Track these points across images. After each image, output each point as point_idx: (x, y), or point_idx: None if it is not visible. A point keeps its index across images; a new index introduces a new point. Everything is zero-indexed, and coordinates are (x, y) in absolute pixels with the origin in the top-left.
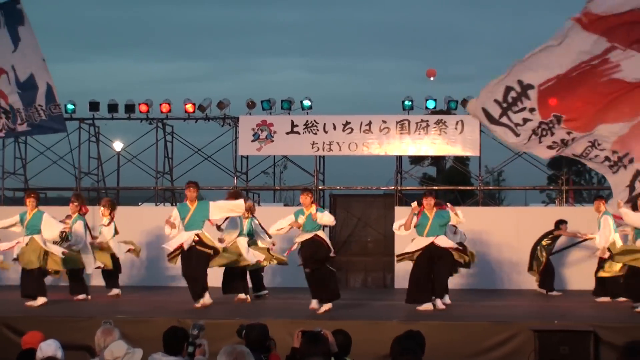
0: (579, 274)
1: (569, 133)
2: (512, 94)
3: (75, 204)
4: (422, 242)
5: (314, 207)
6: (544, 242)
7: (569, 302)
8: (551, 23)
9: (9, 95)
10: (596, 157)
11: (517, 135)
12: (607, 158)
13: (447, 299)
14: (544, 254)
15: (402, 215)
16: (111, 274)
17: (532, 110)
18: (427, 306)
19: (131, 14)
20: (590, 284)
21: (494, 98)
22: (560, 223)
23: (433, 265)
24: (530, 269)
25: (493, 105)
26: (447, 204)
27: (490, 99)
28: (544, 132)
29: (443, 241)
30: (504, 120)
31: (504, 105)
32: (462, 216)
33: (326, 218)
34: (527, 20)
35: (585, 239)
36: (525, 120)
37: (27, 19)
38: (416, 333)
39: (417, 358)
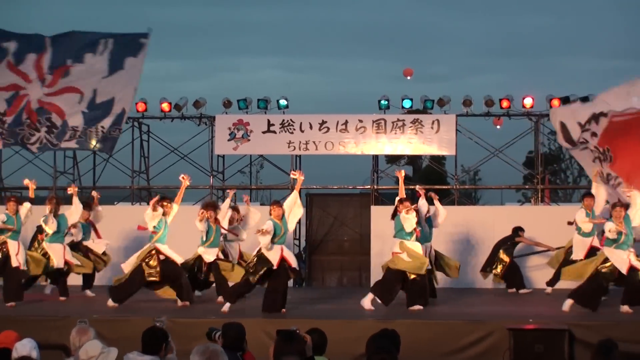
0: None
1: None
2: (588, 117)
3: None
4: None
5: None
6: (502, 251)
7: (543, 300)
8: (526, 23)
9: (70, 114)
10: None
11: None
12: None
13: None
14: (507, 255)
15: (378, 214)
16: (89, 276)
17: (594, 134)
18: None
19: (108, 13)
20: (564, 283)
21: (577, 120)
22: (518, 230)
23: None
24: (483, 269)
25: (575, 127)
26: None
27: (571, 118)
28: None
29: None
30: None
31: (580, 126)
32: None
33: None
34: (503, 20)
35: (546, 250)
36: (585, 141)
37: (144, 52)
38: (391, 332)
39: (393, 357)
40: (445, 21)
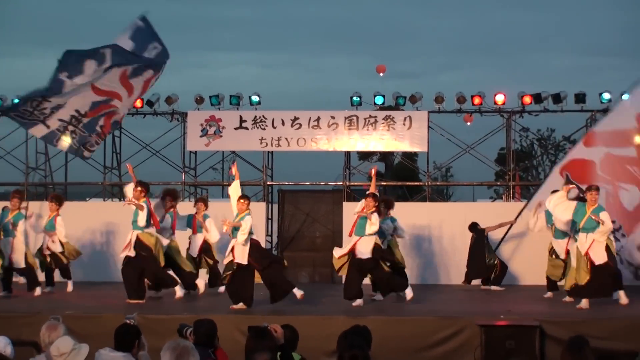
0: (527, 270)
1: None
2: None
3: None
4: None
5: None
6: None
7: (515, 297)
8: (499, 19)
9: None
10: None
11: None
12: None
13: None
14: (494, 257)
15: (350, 210)
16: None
17: None
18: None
19: (79, 8)
20: (538, 280)
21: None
22: (476, 225)
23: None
24: (469, 281)
25: None
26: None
27: None
28: None
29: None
30: None
31: None
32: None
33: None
34: (476, 17)
35: (510, 225)
36: None
37: (157, 75)
38: (363, 328)
39: (364, 353)
40: (418, 18)
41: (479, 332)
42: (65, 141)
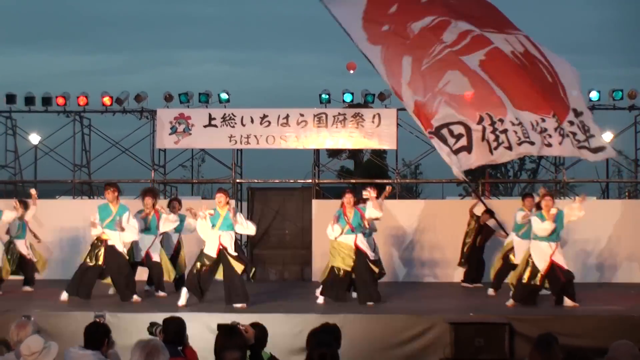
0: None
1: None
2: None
3: None
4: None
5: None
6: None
7: (485, 295)
8: None
9: None
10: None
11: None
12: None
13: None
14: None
15: (320, 208)
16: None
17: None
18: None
19: (48, 6)
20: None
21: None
22: (485, 212)
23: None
24: (462, 264)
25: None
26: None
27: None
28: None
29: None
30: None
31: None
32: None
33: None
34: None
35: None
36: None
37: None
38: (332, 326)
39: (333, 351)
40: None
41: (449, 330)
42: None
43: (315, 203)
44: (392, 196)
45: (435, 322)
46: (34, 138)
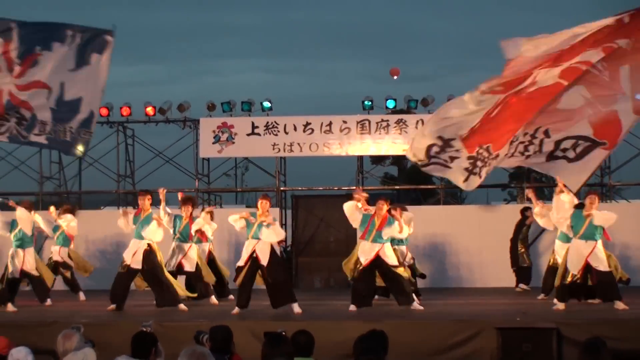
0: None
1: (497, 156)
2: (435, 148)
3: None
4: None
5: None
6: (521, 251)
7: (531, 299)
8: (508, 21)
9: (37, 108)
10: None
11: (449, 167)
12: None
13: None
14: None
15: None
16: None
17: (457, 150)
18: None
19: (91, 17)
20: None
21: (423, 149)
22: (525, 210)
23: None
24: (514, 265)
25: (425, 157)
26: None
27: (420, 151)
28: (477, 164)
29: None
30: (434, 160)
31: (430, 157)
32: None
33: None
34: (485, 19)
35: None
36: (453, 158)
37: (109, 52)
38: (379, 333)
39: (380, 358)
40: (428, 21)
41: (496, 335)
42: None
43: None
44: (436, 202)
45: (482, 328)
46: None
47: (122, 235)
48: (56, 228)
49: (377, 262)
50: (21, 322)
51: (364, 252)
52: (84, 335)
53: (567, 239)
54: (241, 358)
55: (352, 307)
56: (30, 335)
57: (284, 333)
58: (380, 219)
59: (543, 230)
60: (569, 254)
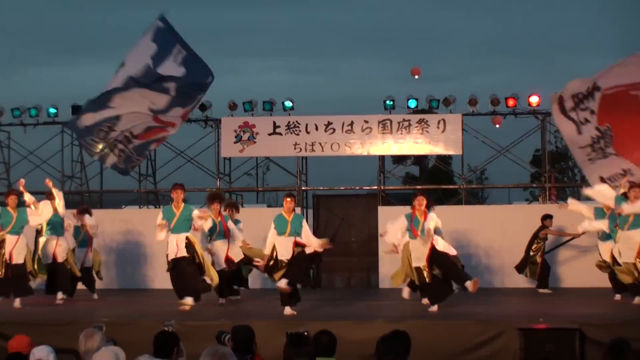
0: (569, 272)
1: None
2: (584, 91)
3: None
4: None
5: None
6: (534, 247)
7: (554, 300)
8: (531, 21)
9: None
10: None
11: (580, 133)
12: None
13: None
14: (538, 256)
15: (385, 214)
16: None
17: (592, 112)
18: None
19: (114, 17)
20: (583, 282)
21: (571, 93)
22: (545, 219)
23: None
24: (520, 271)
25: (569, 99)
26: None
27: (568, 94)
28: (599, 143)
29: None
30: (573, 114)
31: (576, 100)
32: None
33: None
34: (508, 18)
35: (573, 237)
36: (586, 120)
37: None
38: (402, 333)
39: (402, 358)
40: (450, 20)
41: (518, 336)
42: (111, 158)
43: (381, 210)
44: (458, 202)
45: (504, 328)
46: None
47: (142, 234)
48: (77, 230)
49: (433, 254)
50: (42, 321)
51: (416, 249)
52: (105, 334)
53: (607, 237)
54: (263, 358)
55: (434, 308)
56: (51, 334)
57: (306, 333)
58: (423, 215)
59: (561, 244)
60: (620, 246)
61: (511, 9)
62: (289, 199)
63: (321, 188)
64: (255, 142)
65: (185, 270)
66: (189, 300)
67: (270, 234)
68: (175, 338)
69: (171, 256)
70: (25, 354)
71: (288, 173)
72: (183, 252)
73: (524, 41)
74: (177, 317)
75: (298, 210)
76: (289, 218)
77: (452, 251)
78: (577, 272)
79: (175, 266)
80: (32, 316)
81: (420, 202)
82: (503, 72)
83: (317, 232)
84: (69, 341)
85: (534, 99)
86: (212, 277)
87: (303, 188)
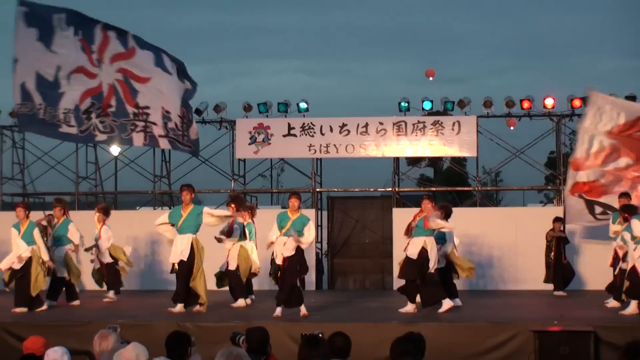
0: (583, 275)
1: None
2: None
3: (59, 207)
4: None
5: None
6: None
7: (568, 302)
8: (546, 23)
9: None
10: None
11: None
12: None
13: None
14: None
15: (400, 216)
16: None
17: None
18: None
19: (126, 18)
20: (599, 284)
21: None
22: (554, 221)
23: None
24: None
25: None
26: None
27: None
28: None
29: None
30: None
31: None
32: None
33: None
34: (522, 21)
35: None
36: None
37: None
38: (417, 335)
39: None
40: (465, 23)
41: (533, 338)
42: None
43: (395, 211)
44: (473, 204)
45: (519, 331)
46: (114, 149)
47: (156, 235)
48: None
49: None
50: (57, 322)
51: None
52: (119, 335)
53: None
54: None
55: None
56: (65, 336)
57: (321, 335)
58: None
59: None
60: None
61: (526, 11)
62: (292, 198)
63: (336, 190)
64: (270, 144)
65: (178, 275)
66: (177, 307)
67: (271, 233)
68: (188, 339)
69: (172, 259)
70: (40, 355)
71: (302, 174)
72: (183, 256)
73: (538, 43)
74: (192, 318)
75: (311, 212)
76: (293, 217)
77: (435, 265)
78: (592, 274)
79: (174, 269)
80: (46, 317)
81: (426, 204)
82: (518, 74)
83: (331, 234)
84: (83, 342)
85: (549, 101)
86: (197, 287)
87: (317, 190)
